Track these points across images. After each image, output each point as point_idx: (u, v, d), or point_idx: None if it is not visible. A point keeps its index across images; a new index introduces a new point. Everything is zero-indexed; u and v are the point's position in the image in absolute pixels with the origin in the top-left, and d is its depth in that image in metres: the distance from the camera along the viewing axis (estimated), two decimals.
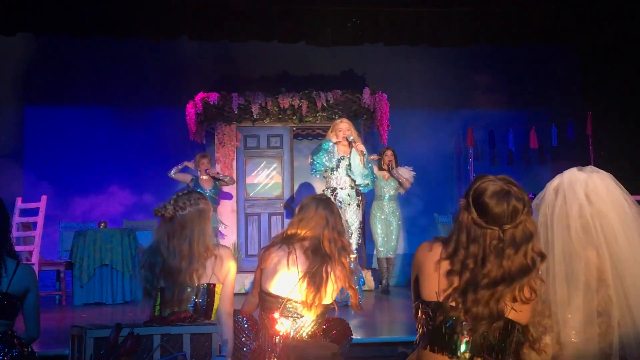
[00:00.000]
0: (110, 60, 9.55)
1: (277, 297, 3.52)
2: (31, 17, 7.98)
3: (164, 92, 9.67)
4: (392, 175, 7.98)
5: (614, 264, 2.26)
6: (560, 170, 2.47)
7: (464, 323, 2.16)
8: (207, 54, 9.66)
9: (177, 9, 8.32)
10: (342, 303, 3.73)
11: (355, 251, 6.62)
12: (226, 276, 3.32)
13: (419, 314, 2.27)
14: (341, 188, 6.66)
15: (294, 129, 9.27)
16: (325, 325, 3.61)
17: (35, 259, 6.99)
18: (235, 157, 9.03)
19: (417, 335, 2.29)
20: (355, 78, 9.91)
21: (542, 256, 2.19)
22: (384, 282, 8.04)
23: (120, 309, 7.22)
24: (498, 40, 9.16)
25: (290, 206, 8.96)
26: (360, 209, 6.88)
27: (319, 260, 3.52)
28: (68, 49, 9.46)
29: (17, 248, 6.31)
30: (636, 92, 8.64)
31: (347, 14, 8.62)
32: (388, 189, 8.01)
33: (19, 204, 7.39)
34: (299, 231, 3.62)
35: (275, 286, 3.53)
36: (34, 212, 7.32)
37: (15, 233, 6.89)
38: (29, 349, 3.19)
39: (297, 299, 3.51)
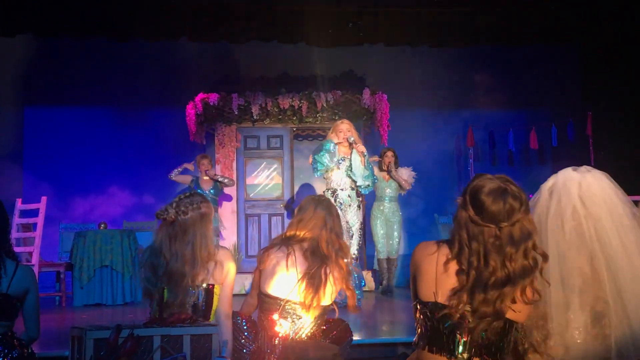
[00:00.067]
0: (110, 61, 9.55)
1: (276, 298, 3.51)
2: (31, 17, 7.99)
3: (164, 92, 9.67)
4: (391, 176, 7.97)
5: (608, 267, 2.26)
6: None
7: (461, 323, 2.16)
8: (207, 54, 9.66)
9: (177, 10, 8.33)
10: (342, 304, 3.72)
11: (356, 252, 6.62)
12: (225, 277, 3.31)
13: (417, 314, 2.27)
14: (342, 189, 6.65)
15: (294, 129, 9.27)
16: (324, 326, 3.61)
17: (35, 260, 6.99)
18: (235, 158, 9.03)
19: (416, 336, 2.30)
20: (355, 78, 9.91)
21: (545, 256, 2.19)
22: (384, 282, 8.03)
23: (120, 310, 7.21)
24: (498, 40, 9.18)
25: (291, 207, 8.95)
26: (361, 210, 6.87)
27: (318, 262, 3.51)
28: (68, 50, 9.46)
29: (17, 249, 6.34)
30: (636, 92, 8.64)
31: (347, 14, 8.63)
32: (389, 190, 8.00)
33: (19, 205, 7.39)
34: (298, 232, 3.61)
35: (274, 287, 3.52)
36: (34, 213, 7.31)
37: (15, 234, 6.89)
38: (29, 350, 3.19)
39: (295, 300, 3.50)
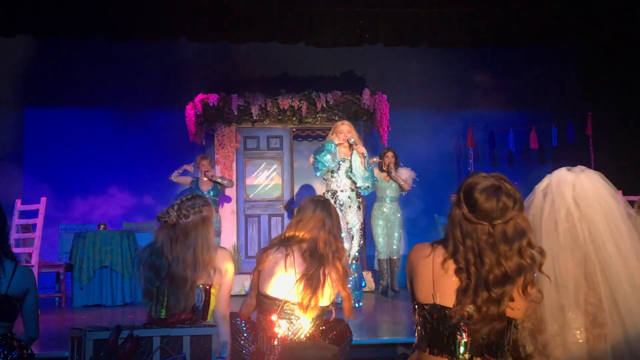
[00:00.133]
0: (110, 62, 9.55)
1: (274, 299, 3.51)
2: (31, 17, 7.99)
3: (164, 92, 9.67)
4: (391, 177, 7.97)
5: (602, 269, 2.25)
6: None
7: (461, 324, 2.15)
8: (206, 54, 9.66)
9: (177, 10, 8.33)
10: (341, 305, 3.71)
11: (357, 254, 6.61)
12: (223, 278, 3.30)
13: (417, 316, 2.26)
14: (341, 191, 6.64)
15: (294, 130, 9.26)
16: (323, 326, 3.60)
17: (34, 260, 6.98)
18: (235, 159, 9.02)
19: (416, 337, 2.29)
20: (355, 79, 9.91)
21: (542, 252, 2.19)
22: (383, 283, 8.03)
23: (120, 310, 7.21)
24: (498, 40, 9.17)
25: (291, 207, 8.94)
26: (361, 210, 6.87)
27: (316, 263, 3.50)
28: (68, 50, 9.46)
29: (17, 250, 6.35)
30: (636, 92, 8.63)
31: (347, 15, 8.62)
32: (389, 191, 8.00)
33: (19, 205, 7.38)
34: (297, 233, 3.61)
35: (272, 288, 3.52)
36: (34, 213, 7.31)
37: (14, 235, 6.89)
38: (29, 351, 3.19)
39: (294, 300, 3.49)
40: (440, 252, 2.23)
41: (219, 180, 8.29)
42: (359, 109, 8.98)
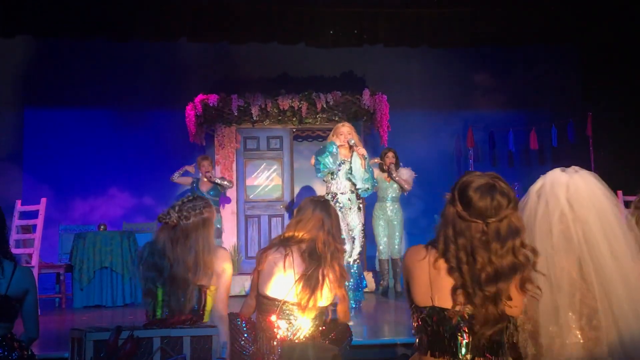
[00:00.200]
0: (110, 62, 9.55)
1: (273, 299, 3.50)
2: (31, 18, 7.99)
3: (163, 93, 9.67)
4: (391, 178, 7.96)
5: (596, 270, 2.25)
6: None
7: (462, 324, 2.15)
8: (206, 55, 9.66)
9: (177, 10, 8.33)
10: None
11: (358, 255, 6.60)
12: (220, 278, 3.30)
13: (416, 320, 2.26)
14: (342, 193, 6.63)
15: (294, 130, 9.25)
16: (323, 327, 3.60)
17: (35, 261, 6.97)
18: (235, 159, 9.01)
19: (416, 340, 2.29)
20: (355, 79, 9.90)
21: (535, 252, 2.18)
22: (384, 283, 8.03)
23: (120, 311, 7.21)
24: (498, 40, 9.18)
25: (291, 208, 8.94)
26: (362, 211, 6.86)
27: (315, 263, 3.50)
28: (68, 51, 9.46)
29: (17, 251, 6.34)
30: (636, 92, 8.63)
31: (347, 15, 8.63)
32: (390, 191, 7.99)
33: (19, 206, 7.37)
34: (296, 233, 3.60)
35: (271, 289, 3.51)
36: (34, 214, 7.29)
37: (14, 236, 6.88)
38: (29, 352, 3.19)
39: (293, 301, 3.49)
40: (434, 253, 2.23)
41: (219, 181, 8.28)
42: (359, 109, 8.97)
